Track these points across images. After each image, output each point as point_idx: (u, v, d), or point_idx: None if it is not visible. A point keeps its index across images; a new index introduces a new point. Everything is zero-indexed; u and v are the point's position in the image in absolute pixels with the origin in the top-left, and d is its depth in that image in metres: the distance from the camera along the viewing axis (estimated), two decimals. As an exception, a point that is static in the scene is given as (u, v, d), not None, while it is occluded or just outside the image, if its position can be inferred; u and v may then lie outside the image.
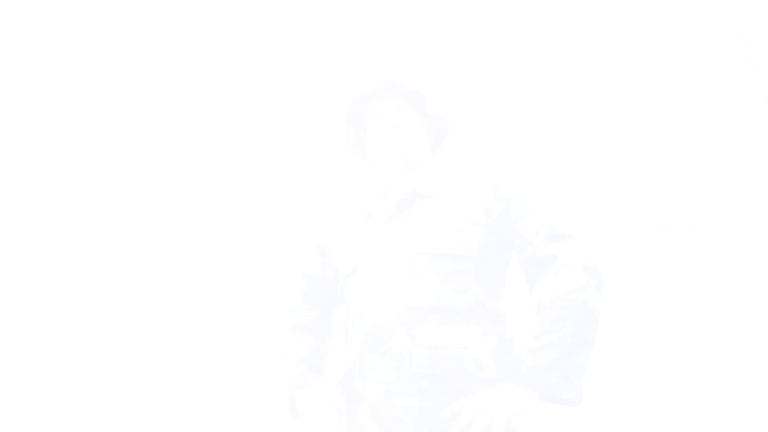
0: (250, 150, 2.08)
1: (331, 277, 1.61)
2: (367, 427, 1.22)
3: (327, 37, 2.43)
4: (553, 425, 1.66)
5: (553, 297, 1.21)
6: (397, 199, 1.47)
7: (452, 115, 1.67)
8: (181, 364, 1.72)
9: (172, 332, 1.78)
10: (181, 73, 2.40)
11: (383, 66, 2.16)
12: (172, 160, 2.16)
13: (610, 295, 1.84)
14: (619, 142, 2.25)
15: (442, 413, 1.17)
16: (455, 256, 1.29)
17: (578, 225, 1.38)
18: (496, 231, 1.35)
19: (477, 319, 1.26)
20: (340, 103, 1.59)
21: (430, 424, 1.17)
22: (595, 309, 1.21)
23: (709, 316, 1.73)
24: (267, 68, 2.51)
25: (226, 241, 1.90)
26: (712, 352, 1.87)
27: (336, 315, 1.70)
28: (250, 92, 2.44)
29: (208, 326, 1.78)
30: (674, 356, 1.97)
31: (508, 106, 2.30)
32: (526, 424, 1.30)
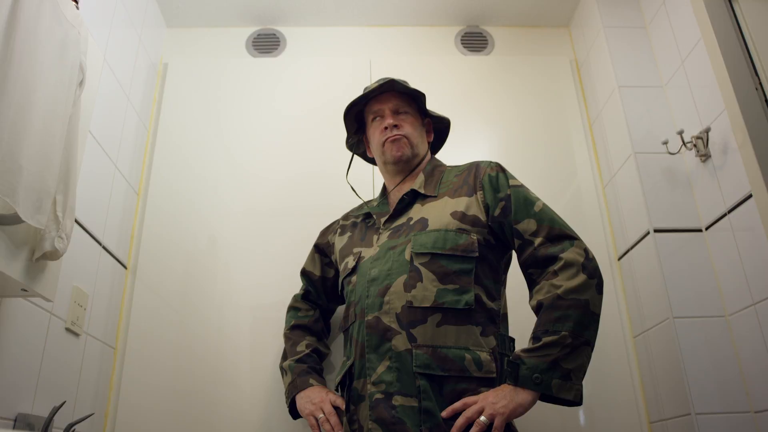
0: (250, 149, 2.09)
1: (332, 276, 1.61)
2: (367, 427, 1.21)
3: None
4: (552, 425, 1.66)
5: (554, 297, 1.21)
6: (398, 199, 1.47)
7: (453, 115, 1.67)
8: (180, 364, 1.72)
9: (172, 331, 1.78)
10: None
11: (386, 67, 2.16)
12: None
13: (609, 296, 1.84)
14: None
15: (442, 413, 1.17)
16: (455, 256, 1.29)
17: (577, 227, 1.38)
18: (496, 231, 1.35)
19: (477, 319, 1.26)
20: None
21: (429, 424, 1.16)
22: (596, 310, 1.21)
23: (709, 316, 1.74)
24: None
25: (226, 240, 1.90)
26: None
27: (336, 315, 1.70)
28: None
29: (208, 325, 1.78)
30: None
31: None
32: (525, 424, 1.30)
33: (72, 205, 1.17)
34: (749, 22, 1.64)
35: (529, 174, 1.61)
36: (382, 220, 1.47)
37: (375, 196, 1.74)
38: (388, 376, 1.22)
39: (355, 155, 1.67)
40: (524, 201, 1.34)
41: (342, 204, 1.73)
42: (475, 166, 1.45)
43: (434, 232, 1.33)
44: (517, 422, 1.26)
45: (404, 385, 1.20)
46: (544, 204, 1.35)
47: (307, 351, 1.51)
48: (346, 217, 1.64)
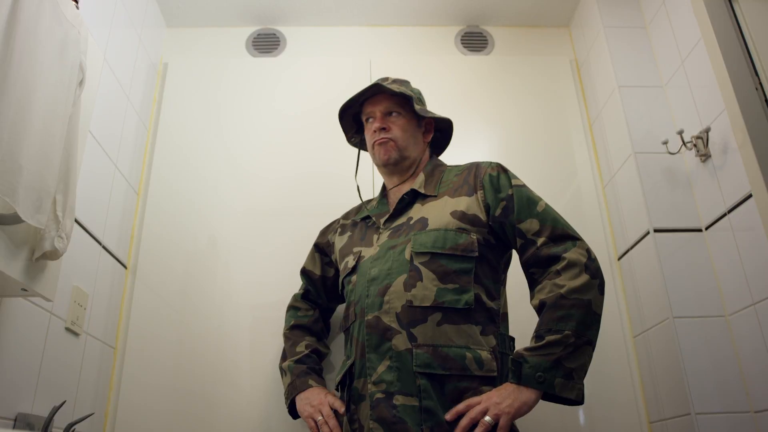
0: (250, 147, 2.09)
1: (332, 275, 1.61)
2: (368, 427, 1.21)
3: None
4: (552, 425, 1.66)
5: (557, 296, 1.20)
6: (397, 199, 1.47)
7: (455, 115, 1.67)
8: (179, 363, 1.72)
9: (172, 331, 1.78)
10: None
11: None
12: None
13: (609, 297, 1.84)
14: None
15: (446, 416, 1.17)
16: (455, 255, 1.29)
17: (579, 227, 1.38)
18: (496, 231, 1.35)
19: (477, 318, 1.26)
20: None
21: (430, 423, 1.16)
22: (598, 311, 1.21)
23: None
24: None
25: (225, 240, 1.90)
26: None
27: (336, 314, 1.70)
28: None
29: (208, 325, 1.78)
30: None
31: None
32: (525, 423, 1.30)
33: (72, 204, 1.17)
34: (749, 22, 1.64)
35: (529, 174, 1.61)
36: (382, 220, 1.46)
37: (375, 196, 1.74)
38: (389, 375, 1.22)
39: (361, 152, 1.67)
40: (527, 200, 1.34)
41: (342, 204, 1.73)
42: (475, 166, 1.44)
43: (434, 231, 1.33)
44: (518, 421, 1.26)
45: (405, 384, 1.20)
46: (546, 204, 1.35)
47: (306, 351, 1.51)
48: (346, 216, 1.64)
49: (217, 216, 1.92)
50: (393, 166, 1.49)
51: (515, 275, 1.44)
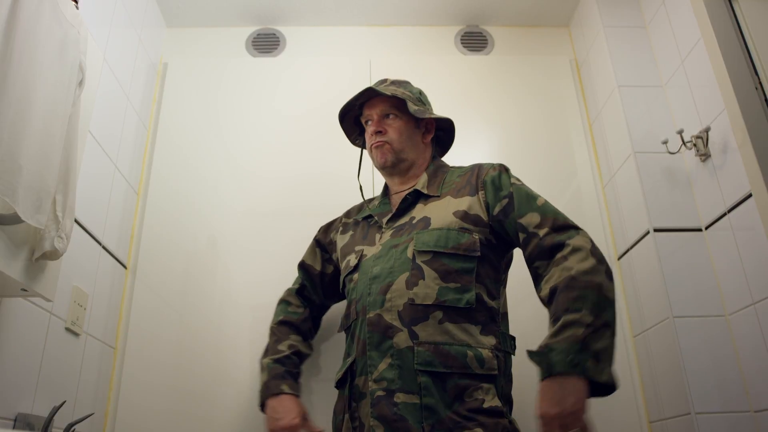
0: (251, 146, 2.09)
1: (331, 273, 1.60)
2: (368, 424, 1.22)
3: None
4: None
5: (568, 278, 1.17)
6: (400, 199, 1.47)
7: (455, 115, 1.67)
8: (179, 362, 1.72)
9: (171, 330, 1.78)
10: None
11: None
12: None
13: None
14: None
15: None
16: (457, 254, 1.30)
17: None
18: (497, 230, 1.35)
19: (477, 317, 1.26)
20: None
21: (431, 421, 1.16)
22: (610, 295, 1.16)
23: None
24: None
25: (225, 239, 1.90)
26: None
27: (334, 313, 1.70)
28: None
29: (208, 325, 1.78)
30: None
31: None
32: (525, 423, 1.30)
33: (72, 204, 1.17)
34: (749, 22, 1.64)
35: (529, 174, 1.61)
36: (385, 219, 1.47)
37: (377, 195, 1.74)
38: (390, 373, 1.22)
39: (364, 152, 1.67)
40: (526, 196, 1.34)
41: (342, 203, 1.73)
42: (477, 167, 1.45)
43: (437, 230, 1.33)
44: (518, 422, 1.26)
45: (406, 382, 1.20)
46: (545, 200, 1.35)
47: (287, 352, 1.49)
48: (347, 214, 1.64)
49: (217, 216, 1.92)
50: (391, 168, 1.49)
51: (515, 275, 1.44)
